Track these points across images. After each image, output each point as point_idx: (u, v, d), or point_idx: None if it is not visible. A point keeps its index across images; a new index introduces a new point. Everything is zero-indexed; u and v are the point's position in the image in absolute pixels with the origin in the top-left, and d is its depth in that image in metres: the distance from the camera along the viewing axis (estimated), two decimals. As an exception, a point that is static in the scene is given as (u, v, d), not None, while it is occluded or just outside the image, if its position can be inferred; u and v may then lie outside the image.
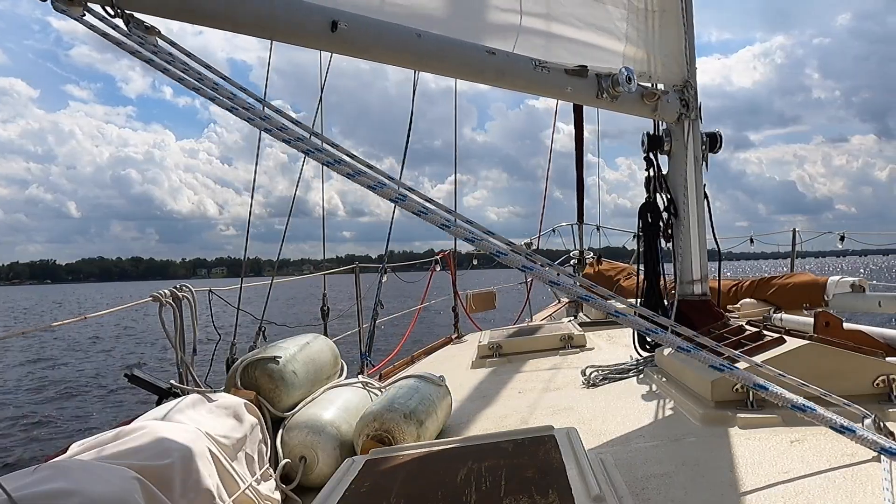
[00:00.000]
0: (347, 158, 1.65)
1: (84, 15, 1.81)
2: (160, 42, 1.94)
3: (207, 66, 1.96)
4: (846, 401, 2.03)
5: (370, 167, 2.17)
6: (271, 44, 3.90)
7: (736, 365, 2.42)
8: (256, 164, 4.27)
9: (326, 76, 4.51)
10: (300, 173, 4.63)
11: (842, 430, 0.99)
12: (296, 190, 4.73)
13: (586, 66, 3.27)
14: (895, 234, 7.66)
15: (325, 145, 1.91)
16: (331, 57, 4.38)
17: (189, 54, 1.94)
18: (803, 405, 1.04)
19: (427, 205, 1.49)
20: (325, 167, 1.64)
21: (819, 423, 1.02)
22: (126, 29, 1.90)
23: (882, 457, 1.91)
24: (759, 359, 2.59)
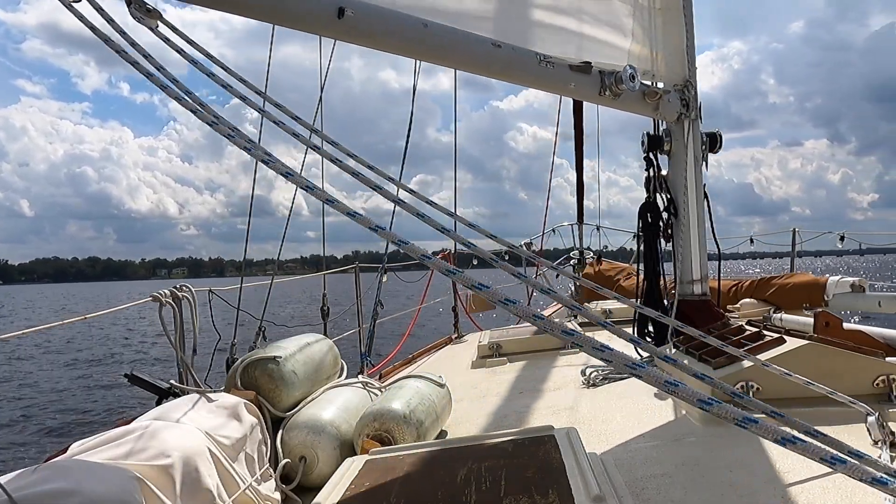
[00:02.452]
0: (347, 159, 1.63)
1: (79, 1, 1.74)
2: (161, 27, 1.91)
3: (209, 56, 1.93)
4: (851, 398, 2.03)
5: (370, 167, 2.14)
6: (273, 32, 3.88)
7: (743, 363, 2.41)
8: (256, 164, 4.25)
9: (328, 69, 4.47)
10: (301, 167, 4.60)
11: (832, 462, 0.99)
12: (296, 190, 4.71)
13: (590, 63, 3.26)
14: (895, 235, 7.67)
15: (323, 150, 1.88)
16: (333, 48, 4.35)
17: (190, 41, 1.91)
18: (793, 438, 1.03)
19: (424, 209, 1.48)
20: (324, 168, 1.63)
21: (809, 456, 1.01)
22: (129, 10, 1.86)
23: (882, 455, 1.91)
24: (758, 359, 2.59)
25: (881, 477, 0.93)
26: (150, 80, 1.62)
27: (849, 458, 0.99)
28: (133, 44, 1.72)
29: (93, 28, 1.69)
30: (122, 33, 1.74)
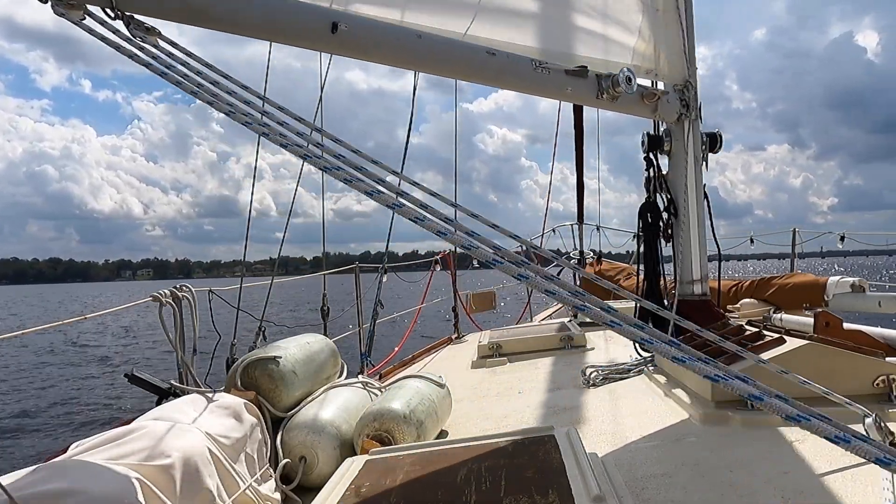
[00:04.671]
0: (344, 166, 1.63)
1: (84, 19, 1.79)
2: (161, 43, 1.93)
3: (208, 66, 1.94)
4: (848, 400, 2.03)
5: (374, 161, 2.14)
6: (270, 46, 3.89)
7: (742, 359, 2.42)
8: (256, 163, 4.25)
9: (325, 78, 4.49)
10: (300, 174, 4.61)
11: (836, 440, 1.00)
12: (296, 188, 4.71)
13: (586, 67, 3.27)
14: (895, 234, 7.67)
15: (324, 147, 1.89)
16: (330, 59, 4.38)
17: (190, 54, 1.93)
18: (798, 416, 1.04)
19: (424, 213, 1.48)
20: (323, 173, 1.62)
21: (815, 432, 1.02)
22: (127, 31, 1.89)
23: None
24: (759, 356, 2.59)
25: (885, 457, 0.94)
26: (165, 78, 1.64)
27: (853, 438, 0.99)
28: (142, 47, 1.75)
29: (104, 39, 1.74)
30: (129, 40, 1.79)
